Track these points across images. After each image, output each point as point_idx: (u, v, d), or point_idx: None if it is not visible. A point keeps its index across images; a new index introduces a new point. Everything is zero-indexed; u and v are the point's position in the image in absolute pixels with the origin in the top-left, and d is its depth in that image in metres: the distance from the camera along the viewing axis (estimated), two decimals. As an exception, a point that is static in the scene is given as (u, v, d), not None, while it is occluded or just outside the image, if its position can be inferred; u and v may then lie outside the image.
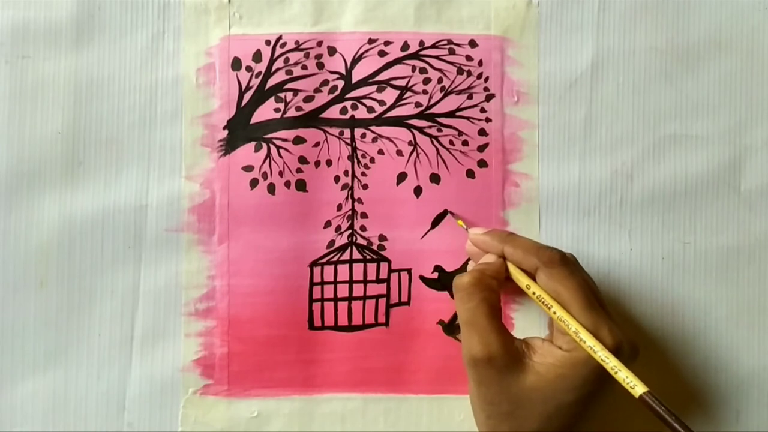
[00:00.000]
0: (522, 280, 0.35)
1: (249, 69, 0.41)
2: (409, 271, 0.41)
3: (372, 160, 0.41)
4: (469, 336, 0.34)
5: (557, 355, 0.33)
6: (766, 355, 0.41)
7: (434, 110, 0.41)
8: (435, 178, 0.41)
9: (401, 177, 0.41)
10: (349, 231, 0.41)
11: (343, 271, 0.41)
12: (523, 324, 0.40)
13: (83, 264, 0.40)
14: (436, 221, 0.41)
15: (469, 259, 0.40)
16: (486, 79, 0.41)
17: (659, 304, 0.41)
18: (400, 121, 0.41)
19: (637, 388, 0.30)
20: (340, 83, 0.41)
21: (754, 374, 0.41)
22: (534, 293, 0.34)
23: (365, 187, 0.41)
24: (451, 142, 0.41)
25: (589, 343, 0.31)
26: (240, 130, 0.40)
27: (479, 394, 0.34)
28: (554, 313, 0.33)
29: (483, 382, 0.33)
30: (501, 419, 0.33)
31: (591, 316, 0.32)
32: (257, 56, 0.41)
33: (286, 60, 0.41)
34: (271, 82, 0.41)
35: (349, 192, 0.41)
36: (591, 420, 0.34)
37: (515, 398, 0.33)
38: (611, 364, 0.31)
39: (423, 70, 0.41)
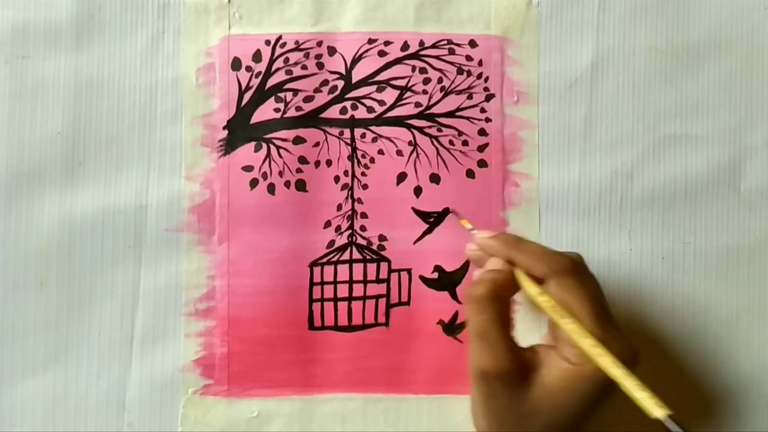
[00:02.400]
0: (530, 289, 0.33)
1: (249, 69, 0.41)
2: (409, 271, 0.41)
3: (372, 160, 0.41)
4: (480, 349, 0.32)
5: (563, 368, 0.32)
6: (766, 355, 0.41)
7: (434, 110, 0.41)
8: (435, 178, 0.41)
9: (401, 177, 0.41)
10: (349, 231, 0.41)
11: (343, 271, 0.41)
12: (523, 326, 0.40)
13: (83, 264, 0.40)
14: (434, 221, 0.41)
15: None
16: (486, 79, 0.41)
17: (659, 304, 0.41)
18: (400, 121, 0.41)
19: (657, 412, 0.28)
20: (340, 83, 0.41)
21: (754, 374, 0.41)
22: (545, 301, 0.32)
23: (365, 187, 0.41)
24: (451, 142, 0.41)
25: (605, 365, 0.30)
26: (240, 130, 0.40)
27: (486, 407, 0.33)
28: (569, 324, 0.31)
29: (491, 395, 0.32)
30: (505, 430, 0.33)
31: (601, 329, 0.31)
32: (257, 56, 0.41)
33: (286, 60, 0.41)
34: (271, 82, 0.41)
35: (349, 192, 0.41)
36: (593, 422, 0.34)
37: (521, 411, 0.32)
38: (631, 383, 0.30)
39: (423, 70, 0.41)
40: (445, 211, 0.41)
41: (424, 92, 0.41)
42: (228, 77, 0.41)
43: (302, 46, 0.41)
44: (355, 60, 0.41)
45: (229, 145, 0.40)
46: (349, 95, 0.41)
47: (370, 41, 0.41)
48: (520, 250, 0.34)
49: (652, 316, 0.41)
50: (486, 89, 0.41)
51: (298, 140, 0.41)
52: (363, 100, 0.41)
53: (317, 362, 0.40)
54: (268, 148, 0.40)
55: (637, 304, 0.41)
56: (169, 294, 0.40)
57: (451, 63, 0.41)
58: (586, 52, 0.41)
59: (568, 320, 0.32)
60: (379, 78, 0.41)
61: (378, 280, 0.41)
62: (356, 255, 0.41)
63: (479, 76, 0.41)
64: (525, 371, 0.32)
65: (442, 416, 0.40)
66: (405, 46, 0.41)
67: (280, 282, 0.40)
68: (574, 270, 0.33)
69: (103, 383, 0.40)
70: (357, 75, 0.41)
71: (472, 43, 0.41)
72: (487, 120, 0.41)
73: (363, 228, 0.41)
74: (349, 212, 0.41)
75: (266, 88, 0.41)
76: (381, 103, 0.41)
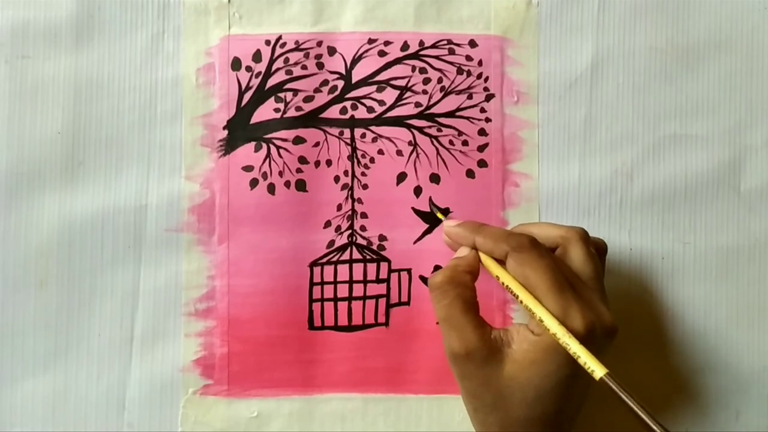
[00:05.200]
0: (492, 269, 0.35)
1: (249, 69, 0.41)
2: (409, 271, 0.41)
3: (372, 160, 0.41)
4: (447, 333, 0.34)
5: (530, 340, 0.33)
6: (766, 355, 0.41)
7: (434, 110, 0.41)
8: (435, 178, 0.41)
9: (401, 177, 0.41)
10: (349, 231, 0.41)
11: (343, 271, 0.41)
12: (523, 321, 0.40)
13: (83, 264, 0.40)
14: (433, 219, 0.41)
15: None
16: (486, 79, 0.41)
17: (659, 304, 0.41)
18: (400, 121, 0.41)
19: (596, 372, 0.30)
20: (340, 83, 0.41)
21: (754, 374, 0.41)
22: (503, 283, 0.34)
23: (365, 187, 0.41)
24: (451, 142, 0.41)
25: (553, 330, 0.31)
26: (240, 130, 0.40)
27: (464, 389, 0.34)
28: (521, 302, 0.33)
29: (465, 376, 0.34)
30: (487, 411, 0.34)
31: (559, 299, 0.32)
32: (257, 56, 0.41)
33: (286, 60, 0.41)
34: (271, 82, 0.41)
35: (349, 192, 0.41)
36: (577, 400, 0.34)
37: (496, 389, 0.33)
38: (573, 348, 0.30)
39: (423, 70, 0.41)
40: (445, 210, 0.41)
41: (424, 92, 0.41)
42: (228, 77, 0.41)
43: (302, 46, 0.41)
44: (355, 60, 0.41)
45: (229, 145, 0.40)
46: (349, 95, 0.41)
47: (370, 41, 0.41)
48: (482, 234, 0.35)
49: (652, 316, 0.41)
50: (486, 89, 0.41)
51: (298, 140, 0.41)
52: (363, 100, 0.41)
53: (317, 362, 0.40)
54: (268, 148, 0.40)
55: (637, 304, 0.41)
56: (169, 294, 0.40)
57: (451, 63, 0.41)
58: (586, 52, 0.41)
59: (522, 296, 0.33)
60: (379, 78, 0.41)
61: (378, 280, 0.41)
62: (356, 255, 0.41)
63: (479, 76, 0.41)
64: (496, 349, 0.33)
65: (442, 416, 0.40)
66: (405, 46, 0.41)
67: (280, 282, 0.40)
68: (532, 245, 0.33)
69: (103, 383, 0.40)
70: (357, 75, 0.41)
71: (472, 43, 0.41)
72: (487, 120, 0.41)
73: (363, 228, 0.41)
74: (349, 212, 0.41)
75: (266, 88, 0.41)
76: (381, 103, 0.41)
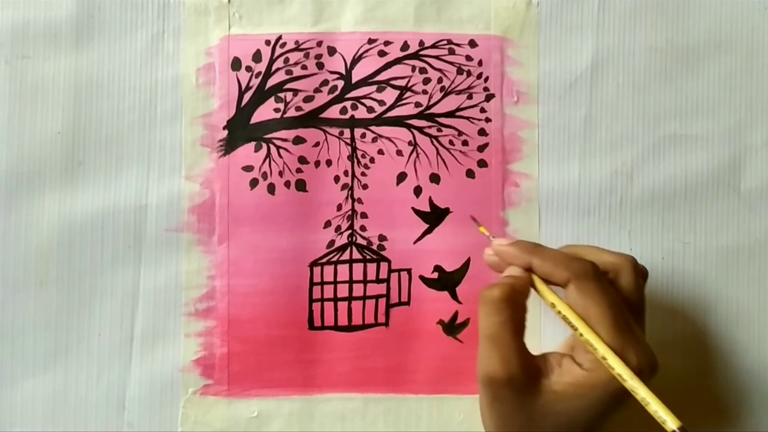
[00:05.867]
0: (547, 296, 0.33)
1: (249, 69, 0.41)
2: (409, 271, 0.41)
3: (372, 160, 0.41)
4: (489, 352, 0.32)
5: (576, 374, 0.32)
6: (766, 355, 0.41)
7: (434, 110, 0.41)
8: (435, 178, 0.41)
9: (401, 177, 0.41)
10: (349, 231, 0.41)
11: (343, 271, 0.41)
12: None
13: (83, 264, 0.40)
14: (433, 218, 0.41)
15: (469, 259, 0.40)
16: (486, 79, 0.41)
17: (659, 304, 0.41)
18: (400, 121, 0.41)
19: (668, 423, 0.29)
20: (340, 83, 0.41)
21: (754, 374, 0.41)
22: (559, 312, 0.32)
23: (365, 187, 0.41)
24: (451, 142, 0.41)
25: (618, 370, 0.30)
26: (240, 130, 0.40)
27: (492, 410, 0.33)
28: (581, 335, 0.31)
29: (498, 399, 0.32)
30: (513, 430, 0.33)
31: (619, 337, 0.31)
32: (257, 56, 0.41)
33: (286, 60, 0.41)
34: (271, 82, 0.41)
35: (349, 192, 0.41)
36: (606, 428, 0.33)
37: (528, 417, 0.32)
38: (641, 395, 0.30)
39: (423, 70, 0.41)
40: (445, 210, 0.41)
41: (424, 92, 0.41)
42: (228, 77, 0.41)
43: (302, 46, 0.41)
44: (355, 60, 0.41)
45: (229, 145, 0.40)
46: (349, 95, 0.41)
47: (370, 41, 0.41)
48: (540, 257, 0.33)
49: (651, 316, 0.41)
50: (486, 89, 0.41)
51: (298, 140, 0.41)
52: (363, 100, 0.41)
53: (317, 362, 0.40)
54: (268, 148, 0.40)
55: (637, 304, 0.41)
56: (169, 294, 0.40)
57: (451, 63, 0.41)
58: (586, 52, 0.41)
59: (582, 330, 0.31)
60: (379, 78, 0.41)
61: (378, 280, 0.41)
62: (356, 255, 0.41)
63: (479, 76, 0.41)
64: (533, 378, 0.32)
65: (442, 416, 0.40)
66: (405, 46, 0.41)
67: (280, 282, 0.40)
68: (595, 275, 0.32)
69: (103, 383, 0.40)
70: (357, 75, 0.41)
71: (472, 43, 0.41)
72: (487, 120, 0.41)
73: (363, 228, 0.41)
74: (349, 212, 0.41)
75: (266, 88, 0.41)
76: (381, 103, 0.41)
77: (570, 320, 0.32)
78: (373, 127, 0.41)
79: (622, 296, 0.33)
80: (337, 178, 0.41)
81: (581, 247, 0.35)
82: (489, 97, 0.41)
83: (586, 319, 0.32)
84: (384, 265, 0.41)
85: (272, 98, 0.41)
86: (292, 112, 0.41)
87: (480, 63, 0.41)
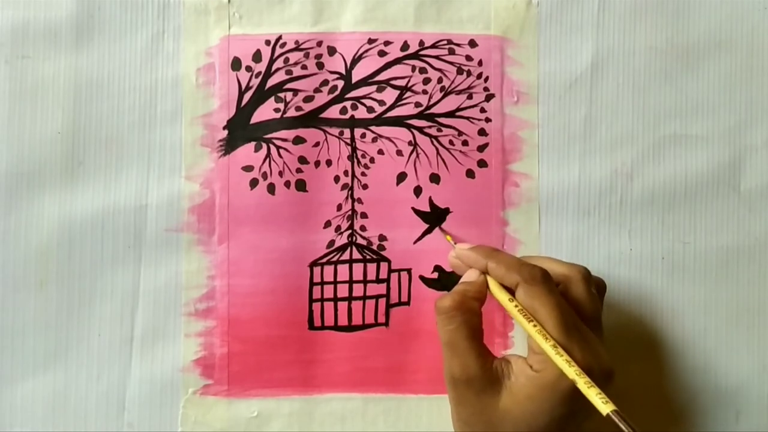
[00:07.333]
0: (501, 298, 0.35)
1: (249, 69, 0.41)
2: (409, 271, 0.41)
3: (372, 160, 0.41)
4: (450, 357, 0.34)
5: (528, 375, 0.32)
6: (766, 355, 0.41)
7: (434, 110, 0.41)
8: (435, 178, 0.41)
9: (401, 177, 0.41)
10: (349, 231, 0.41)
11: (343, 271, 0.41)
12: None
13: (83, 264, 0.40)
14: (433, 219, 0.41)
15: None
16: (486, 79, 0.41)
17: (659, 304, 0.41)
18: (400, 121, 0.41)
19: (604, 407, 0.29)
20: (340, 83, 0.41)
21: (754, 374, 0.41)
22: (513, 307, 0.34)
23: (365, 187, 0.41)
24: (451, 142, 0.41)
25: (557, 362, 0.31)
26: (240, 130, 0.40)
27: (456, 414, 0.35)
28: (534, 326, 0.32)
29: (461, 402, 0.34)
30: None
31: (564, 335, 0.32)
32: (257, 56, 0.41)
33: (286, 60, 0.41)
34: (271, 82, 0.41)
35: (349, 192, 0.41)
36: None
37: (488, 419, 0.33)
38: (582, 381, 0.30)
39: (423, 70, 0.41)
40: (445, 210, 0.41)
41: (424, 92, 0.41)
42: (228, 77, 0.41)
43: (302, 46, 0.41)
44: (355, 60, 0.41)
45: (229, 145, 0.40)
46: (349, 95, 0.41)
47: (370, 41, 0.41)
48: (495, 260, 0.35)
49: (651, 315, 0.41)
50: (486, 89, 0.41)
51: (298, 140, 0.41)
52: (363, 100, 0.41)
53: (317, 362, 0.40)
54: (268, 148, 0.40)
55: (637, 304, 0.41)
56: (169, 294, 0.40)
57: (451, 63, 0.41)
58: (586, 52, 0.41)
59: (529, 327, 0.32)
60: (379, 78, 0.41)
61: (378, 280, 0.41)
62: (356, 255, 0.41)
63: (479, 76, 0.41)
64: (495, 379, 0.33)
65: (442, 416, 0.40)
66: (405, 46, 0.41)
67: (280, 282, 0.40)
68: (543, 280, 0.33)
69: (103, 383, 0.40)
70: (357, 75, 0.41)
71: (472, 43, 0.41)
72: (487, 120, 0.41)
73: (363, 228, 0.41)
74: (349, 212, 0.41)
75: (266, 88, 0.41)
76: (381, 103, 0.41)
77: (518, 320, 0.33)
78: (373, 127, 0.41)
79: (574, 306, 0.34)
80: (337, 178, 0.41)
81: (536, 258, 0.37)
82: (489, 97, 0.41)
83: (535, 319, 0.33)
84: (384, 265, 0.41)
85: (272, 98, 0.41)
86: (292, 112, 0.41)
87: (480, 63, 0.41)
